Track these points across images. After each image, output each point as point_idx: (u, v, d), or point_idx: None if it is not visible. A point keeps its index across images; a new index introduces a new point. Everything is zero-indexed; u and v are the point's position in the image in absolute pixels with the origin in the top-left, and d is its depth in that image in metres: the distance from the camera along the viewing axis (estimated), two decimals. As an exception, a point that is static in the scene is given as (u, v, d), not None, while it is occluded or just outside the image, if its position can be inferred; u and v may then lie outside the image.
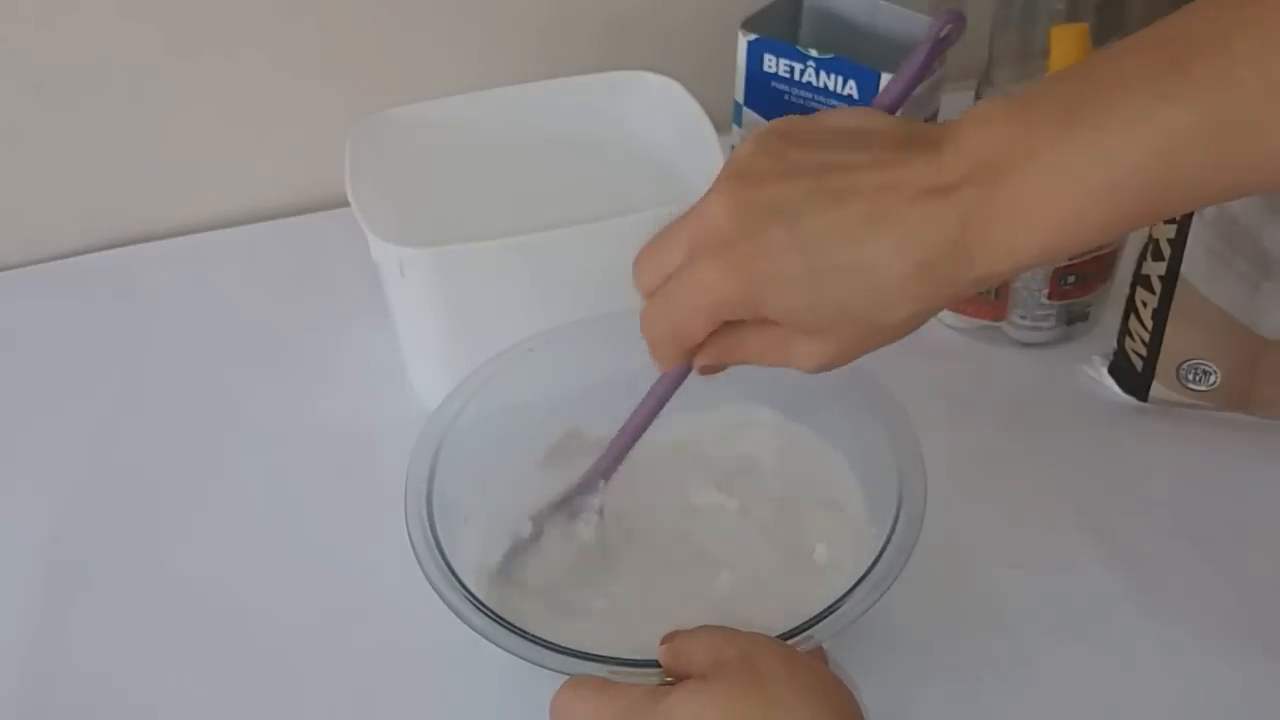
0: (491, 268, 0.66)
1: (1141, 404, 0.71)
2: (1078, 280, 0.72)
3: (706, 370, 0.50)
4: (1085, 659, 0.61)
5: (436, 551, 0.54)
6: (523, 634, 0.50)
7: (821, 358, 0.46)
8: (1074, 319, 0.74)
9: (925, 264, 0.43)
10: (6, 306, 0.84)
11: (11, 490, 0.72)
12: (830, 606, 0.50)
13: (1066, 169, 0.41)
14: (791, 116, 0.48)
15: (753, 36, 0.79)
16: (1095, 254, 0.71)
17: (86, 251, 0.88)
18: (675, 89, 0.75)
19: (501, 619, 0.51)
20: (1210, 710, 0.59)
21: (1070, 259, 0.70)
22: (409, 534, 0.55)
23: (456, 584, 0.53)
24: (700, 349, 0.49)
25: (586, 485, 0.60)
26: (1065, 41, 0.66)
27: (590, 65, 0.78)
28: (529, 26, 0.90)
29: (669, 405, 0.55)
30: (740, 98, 0.82)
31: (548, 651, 0.50)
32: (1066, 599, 0.63)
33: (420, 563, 0.54)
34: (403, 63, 0.89)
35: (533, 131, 0.77)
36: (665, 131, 0.76)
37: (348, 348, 0.73)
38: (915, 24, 0.80)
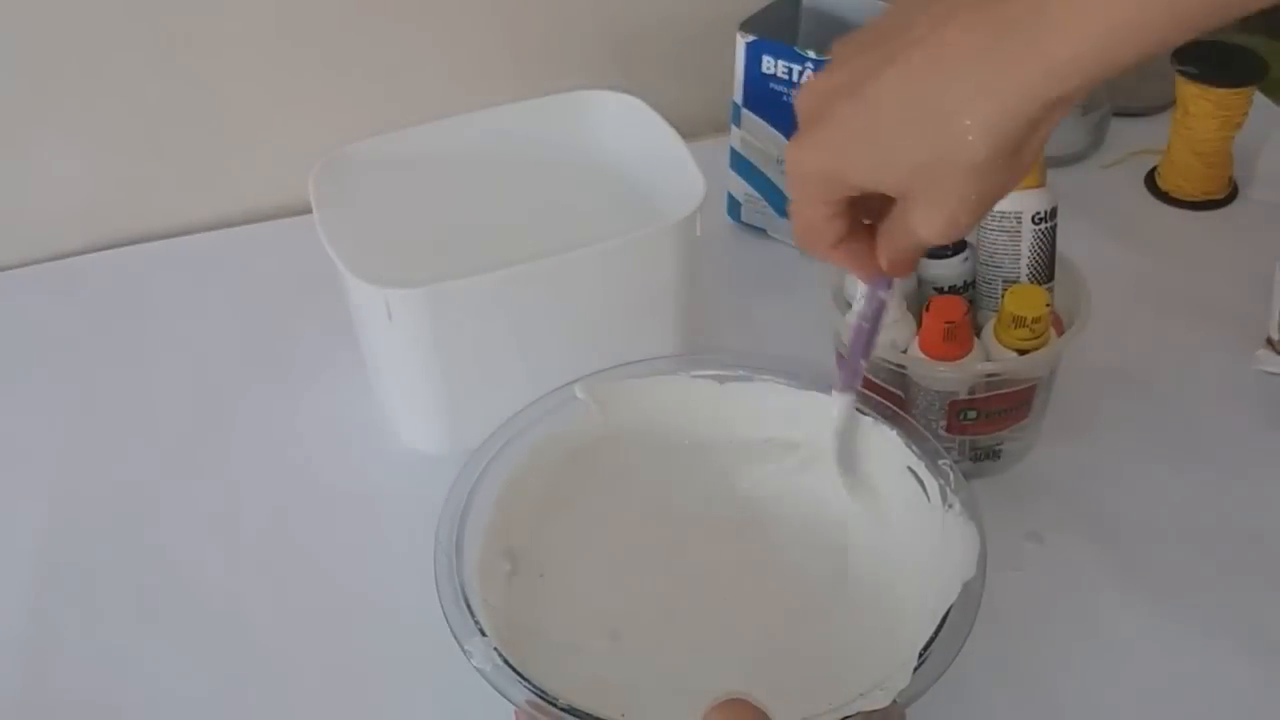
0: (483, 302, 0.66)
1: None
2: (980, 417, 0.66)
3: (889, 273, 0.51)
4: (1085, 659, 0.61)
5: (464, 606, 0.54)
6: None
7: (933, 221, 0.46)
8: (981, 456, 0.69)
9: (986, 82, 0.42)
10: (6, 306, 0.84)
11: (11, 490, 0.72)
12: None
13: None
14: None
15: (751, 38, 0.79)
16: (1003, 391, 0.65)
17: (86, 251, 0.88)
18: (637, 105, 0.75)
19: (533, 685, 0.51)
20: (1210, 710, 0.59)
21: (972, 393, 0.65)
22: (438, 592, 0.55)
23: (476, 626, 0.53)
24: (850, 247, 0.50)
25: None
26: None
27: (580, 81, 0.78)
28: (532, 41, 0.91)
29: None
30: (739, 99, 0.82)
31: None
32: (1065, 599, 0.63)
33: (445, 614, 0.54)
34: (402, 62, 0.89)
35: (498, 156, 0.76)
36: (630, 147, 0.76)
37: (348, 347, 0.73)
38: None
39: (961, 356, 0.64)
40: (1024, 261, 0.66)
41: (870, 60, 0.45)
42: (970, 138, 0.42)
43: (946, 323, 0.63)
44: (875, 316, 0.56)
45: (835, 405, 0.59)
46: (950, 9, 0.43)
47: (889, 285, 0.54)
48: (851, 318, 0.65)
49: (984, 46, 0.42)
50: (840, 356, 0.57)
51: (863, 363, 0.57)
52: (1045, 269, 0.66)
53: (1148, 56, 0.41)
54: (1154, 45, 0.41)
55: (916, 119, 0.43)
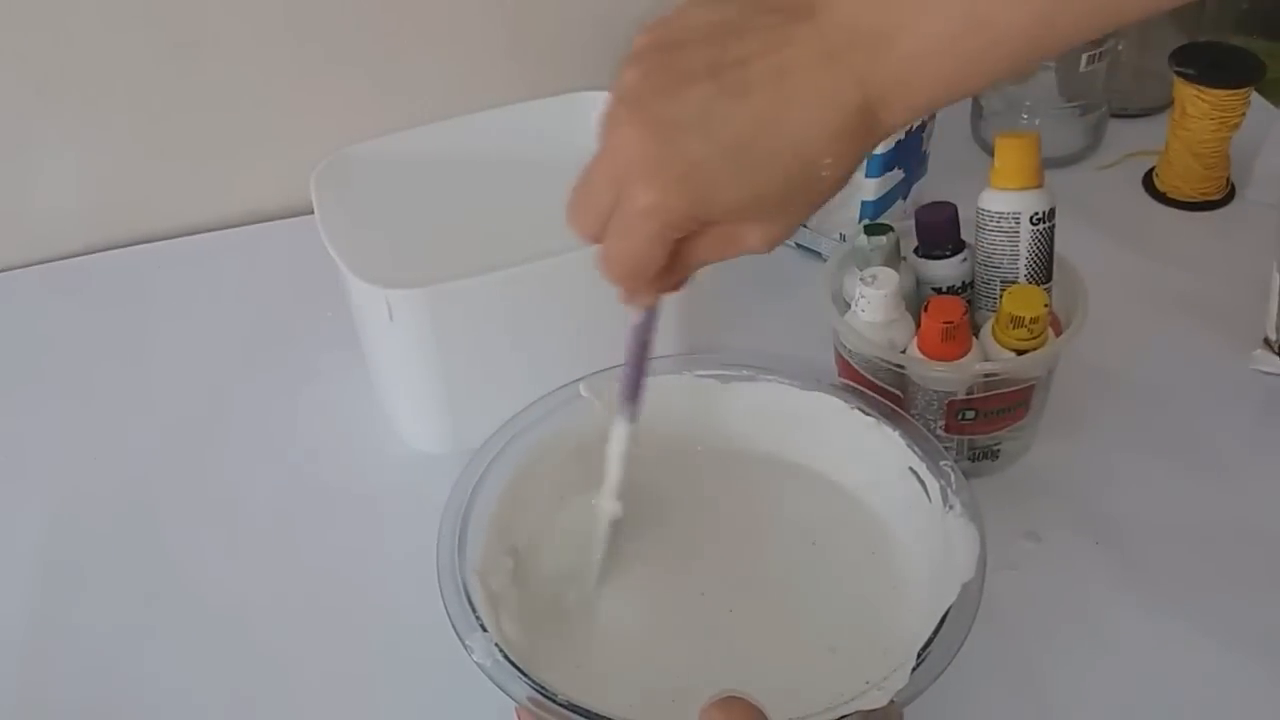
0: (484, 303, 0.66)
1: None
2: (978, 417, 0.66)
3: (674, 289, 0.51)
4: (1082, 658, 0.61)
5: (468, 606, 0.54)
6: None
7: (771, 236, 0.48)
8: (979, 456, 0.69)
9: (840, 129, 0.44)
10: (6, 306, 0.84)
11: (11, 489, 0.72)
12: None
13: (943, 36, 0.43)
14: (652, 23, 0.48)
15: (751, 39, 0.79)
16: (1001, 391, 0.66)
17: (87, 252, 0.89)
18: None
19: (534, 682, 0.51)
20: (1209, 710, 0.59)
21: (970, 393, 0.65)
22: (441, 590, 0.55)
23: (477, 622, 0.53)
24: (662, 273, 0.49)
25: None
26: (1009, 152, 0.65)
27: (580, 81, 0.78)
28: (532, 41, 0.91)
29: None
30: (738, 100, 0.82)
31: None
32: (1063, 598, 0.64)
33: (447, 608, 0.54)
34: (403, 64, 0.89)
35: (498, 156, 0.76)
36: None
37: (348, 347, 0.73)
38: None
39: (960, 357, 0.64)
40: (1022, 262, 0.66)
41: (707, 89, 0.44)
42: (825, 174, 0.45)
43: (945, 323, 0.63)
44: (649, 333, 0.55)
45: (615, 431, 0.57)
46: (779, 37, 0.44)
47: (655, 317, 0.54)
48: (866, 324, 0.65)
49: (829, 106, 0.44)
50: (630, 380, 0.56)
51: (644, 382, 0.56)
52: (1043, 269, 0.66)
53: (981, 89, 0.44)
54: (983, 87, 0.45)
55: (781, 155, 0.45)
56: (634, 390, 0.56)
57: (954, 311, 0.63)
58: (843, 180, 0.47)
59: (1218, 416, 0.73)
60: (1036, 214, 0.65)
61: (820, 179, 0.46)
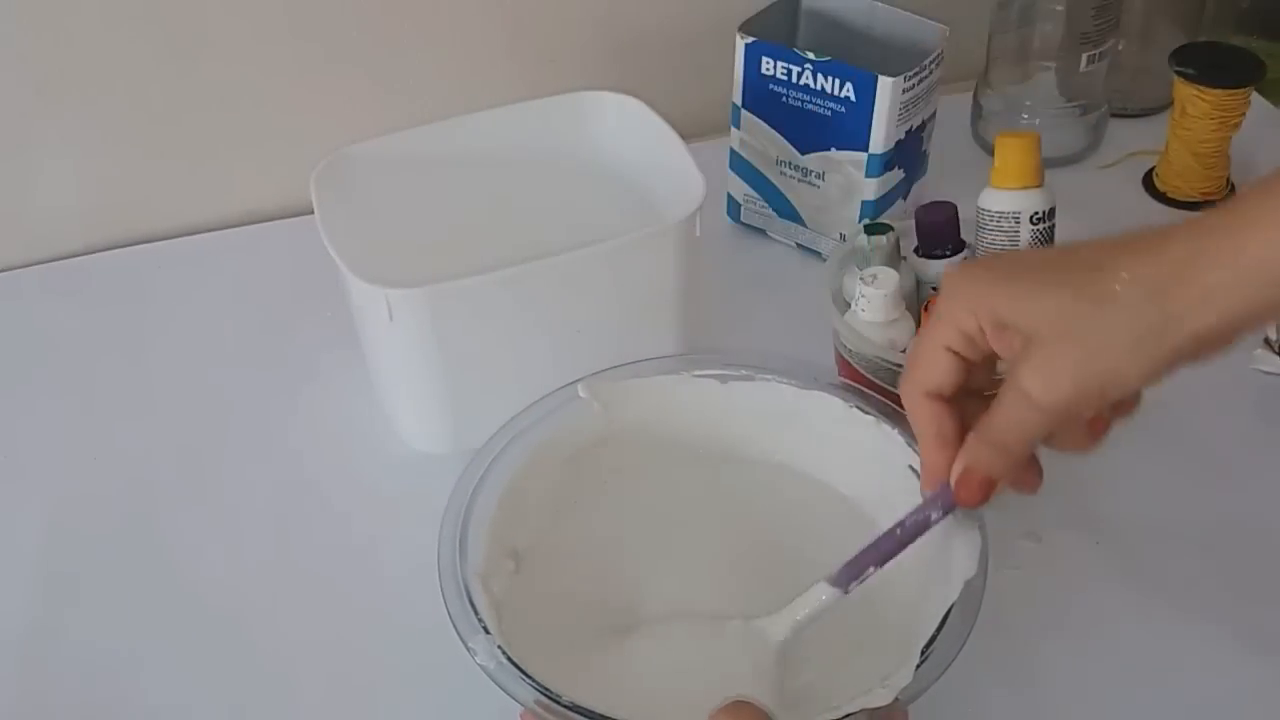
0: (483, 303, 0.66)
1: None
2: None
3: (972, 486, 0.50)
4: (1082, 657, 0.61)
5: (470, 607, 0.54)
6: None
7: (1048, 365, 0.46)
8: None
9: (1156, 256, 0.45)
10: (6, 306, 0.84)
11: (11, 489, 0.72)
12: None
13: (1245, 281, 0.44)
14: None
15: (750, 39, 0.79)
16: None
17: (87, 252, 0.88)
18: (637, 105, 0.75)
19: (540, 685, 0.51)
20: (1209, 710, 0.59)
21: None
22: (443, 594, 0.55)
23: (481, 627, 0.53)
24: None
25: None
26: (1009, 151, 0.65)
27: (580, 81, 0.78)
28: (532, 41, 0.91)
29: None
30: (738, 100, 0.82)
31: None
32: (1063, 597, 0.64)
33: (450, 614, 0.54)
34: (403, 63, 0.89)
35: (498, 156, 0.76)
36: (630, 147, 0.76)
37: (348, 347, 0.73)
38: (912, 27, 0.80)
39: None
40: None
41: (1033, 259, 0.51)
42: (1118, 287, 0.45)
43: None
44: (912, 535, 0.53)
45: (815, 595, 0.54)
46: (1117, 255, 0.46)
47: (945, 510, 0.52)
48: (867, 324, 0.65)
49: (1142, 315, 0.44)
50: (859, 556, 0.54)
51: (873, 570, 0.53)
52: (1044, 269, 0.66)
53: None
54: None
55: (1076, 266, 0.46)
56: (857, 575, 0.53)
57: None
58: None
59: (1218, 416, 0.73)
60: (1036, 213, 0.65)
61: (1121, 377, 0.46)
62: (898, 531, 0.53)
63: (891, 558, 0.53)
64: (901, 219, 0.72)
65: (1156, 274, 0.44)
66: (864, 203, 0.80)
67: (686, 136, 0.72)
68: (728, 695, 0.48)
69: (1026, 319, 0.46)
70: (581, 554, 0.61)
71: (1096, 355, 0.45)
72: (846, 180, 0.80)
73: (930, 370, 0.50)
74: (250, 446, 0.74)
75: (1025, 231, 0.65)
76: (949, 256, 0.68)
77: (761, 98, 0.81)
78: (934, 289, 0.68)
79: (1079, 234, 0.71)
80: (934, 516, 0.52)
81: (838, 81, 0.77)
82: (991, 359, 0.50)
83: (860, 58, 0.77)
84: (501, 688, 0.51)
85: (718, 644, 0.56)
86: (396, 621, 0.63)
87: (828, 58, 0.77)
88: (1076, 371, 0.46)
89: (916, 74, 0.77)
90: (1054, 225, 0.66)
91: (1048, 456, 0.70)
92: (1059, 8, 0.87)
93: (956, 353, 0.49)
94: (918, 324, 0.66)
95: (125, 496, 0.71)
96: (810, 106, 0.79)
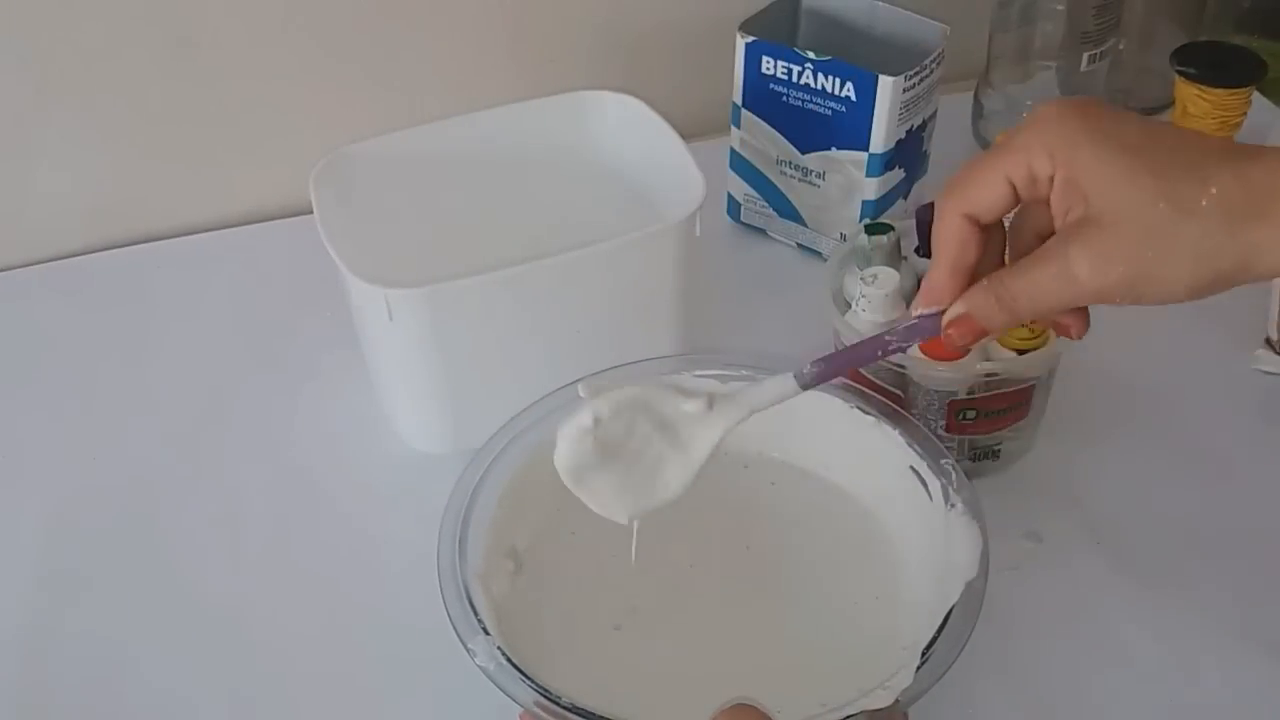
0: (483, 303, 0.66)
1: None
2: (979, 416, 0.66)
3: (962, 330, 0.49)
4: (1083, 657, 0.61)
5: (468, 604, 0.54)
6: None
7: (1104, 252, 0.45)
8: (980, 455, 0.69)
9: (1248, 196, 0.44)
10: (6, 306, 0.84)
11: (11, 489, 0.72)
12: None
13: None
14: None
15: (751, 39, 0.79)
16: (1002, 391, 0.66)
17: (86, 252, 0.88)
18: (637, 105, 0.75)
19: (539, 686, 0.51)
20: (1209, 710, 0.59)
21: (970, 394, 0.65)
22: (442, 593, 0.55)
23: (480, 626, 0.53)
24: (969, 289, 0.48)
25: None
26: None
27: (580, 81, 0.78)
28: (532, 41, 0.91)
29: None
30: (739, 99, 0.82)
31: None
32: (1064, 598, 0.64)
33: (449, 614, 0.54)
34: (403, 63, 0.89)
35: (498, 156, 0.76)
36: (630, 147, 0.76)
37: (348, 347, 0.73)
38: (913, 26, 0.80)
39: (961, 357, 0.64)
40: None
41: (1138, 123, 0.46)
42: (1204, 202, 0.44)
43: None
44: (882, 354, 0.52)
45: (776, 385, 0.52)
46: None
47: (924, 337, 0.51)
48: (867, 323, 0.65)
49: (1215, 237, 0.44)
50: (834, 356, 0.53)
51: (837, 378, 0.54)
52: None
53: None
54: None
55: (1177, 162, 0.44)
56: (834, 373, 0.53)
57: None
58: (1201, 281, 0.45)
59: (1218, 416, 0.73)
60: None
61: (1198, 231, 0.44)
62: (872, 347, 0.52)
63: (856, 366, 0.54)
64: (902, 219, 0.72)
65: (1243, 199, 0.43)
66: (864, 202, 0.80)
67: (686, 136, 0.72)
68: (730, 698, 0.48)
69: (1105, 198, 0.45)
70: (581, 554, 0.61)
71: (1158, 260, 0.44)
72: (847, 180, 0.80)
73: (981, 193, 0.48)
74: (250, 446, 0.74)
75: None
76: None
77: (762, 97, 0.81)
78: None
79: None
80: (909, 344, 0.52)
81: (838, 81, 0.77)
82: (1040, 205, 0.48)
83: (861, 57, 0.77)
84: (500, 688, 0.51)
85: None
86: (396, 622, 0.63)
87: (828, 57, 0.77)
88: (1131, 269, 0.45)
89: (917, 73, 0.76)
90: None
91: (1048, 457, 0.71)
92: (1060, 7, 0.87)
93: (1014, 185, 0.47)
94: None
95: (125, 496, 0.71)
96: (811, 106, 0.79)
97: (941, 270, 0.49)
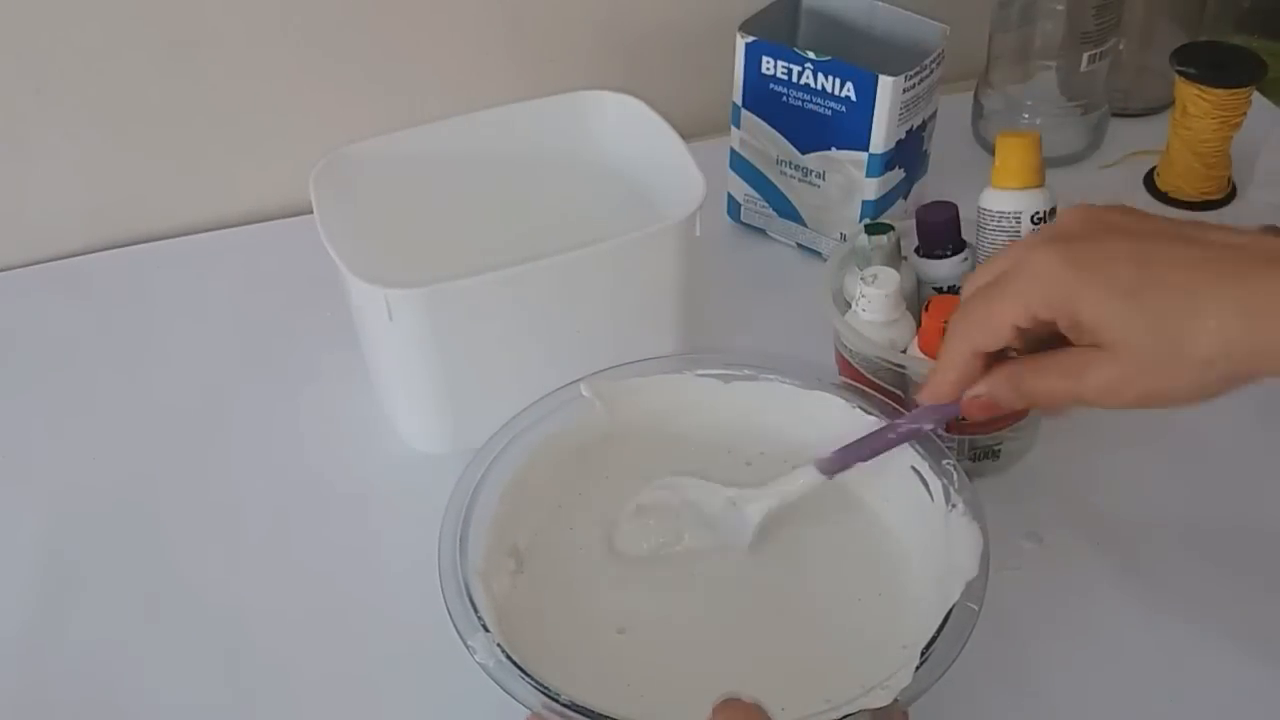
0: (483, 303, 0.66)
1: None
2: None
3: (980, 408, 0.52)
4: (1083, 658, 0.61)
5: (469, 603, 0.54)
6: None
7: (1112, 383, 0.47)
8: (980, 456, 0.69)
9: (1249, 322, 0.45)
10: (6, 306, 0.84)
11: (11, 490, 0.72)
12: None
13: None
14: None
15: (751, 39, 0.79)
16: None
17: (86, 251, 0.88)
18: (637, 105, 0.75)
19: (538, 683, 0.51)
20: (1209, 710, 0.59)
21: None
22: (442, 589, 0.55)
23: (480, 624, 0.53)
24: (990, 373, 0.51)
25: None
26: (1009, 151, 0.65)
27: (580, 81, 0.78)
28: (532, 41, 0.91)
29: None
30: (739, 100, 0.82)
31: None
32: (1064, 598, 0.64)
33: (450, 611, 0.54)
34: (403, 62, 0.89)
35: (498, 156, 0.76)
36: (630, 147, 0.76)
37: (348, 347, 0.73)
38: (913, 26, 0.80)
39: None
40: None
41: (1158, 226, 0.48)
42: (1209, 348, 0.45)
43: (946, 322, 0.63)
44: (904, 438, 0.57)
45: (799, 476, 0.60)
46: (1250, 238, 0.46)
47: (941, 423, 0.55)
48: (867, 323, 0.65)
49: (1254, 294, 0.45)
50: (852, 448, 0.58)
51: (857, 464, 0.58)
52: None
53: None
54: None
55: (1178, 292, 0.45)
56: (845, 464, 0.59)
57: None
58: (1208, 376, 0.47)
59: (1219, 416, 0.72)
60: (1037, 213, 0.65)
61: (1191, 342, 0.46)
62: (890, 434, 0.57)
63: (877, 455, 0.57)
64: (902, 219, 0.72)
65: (1243, 325, 0.45)
66: (864, 202, 0.80)
67: (686, 136, 0.72)
68: (724, 692, 0.48)
69: (1110, 335, 0.47)
70: (582, 553, 0.61)
71: (1168, 385, 0.47)
72: (847, 180, 0.80)
73: (988, 338, 0.50)
74: (250, 446, 0.74)
75: (1027, 231, 0.65)
76: (950, 256, 0.68)
77: (762, 97, 0.81)
78: (935, 289, 0.68)
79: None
80: (928, 427, 0.56)
81: (838, 81, 0.77)
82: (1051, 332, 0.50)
83: (861, 57, 0.77)
84: (501, 686, 0.51)
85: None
86: (397, 620, 0.63)
87: (828, 57, 0.77)
88: (1141, 393, 0.47)
89: (917, 73, 0.76)
90: (1055, 225, 0.66)
91: (1048, 457, 0.71)
92: (1060, 7, 0.87)
93: (1019, 328, 0.49)
94: (918, 324, 0.65)
95: (124, 496, 0.71)
96: (811, 106, 0.79)
97: (945, 380, 0.52)
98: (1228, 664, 0.61)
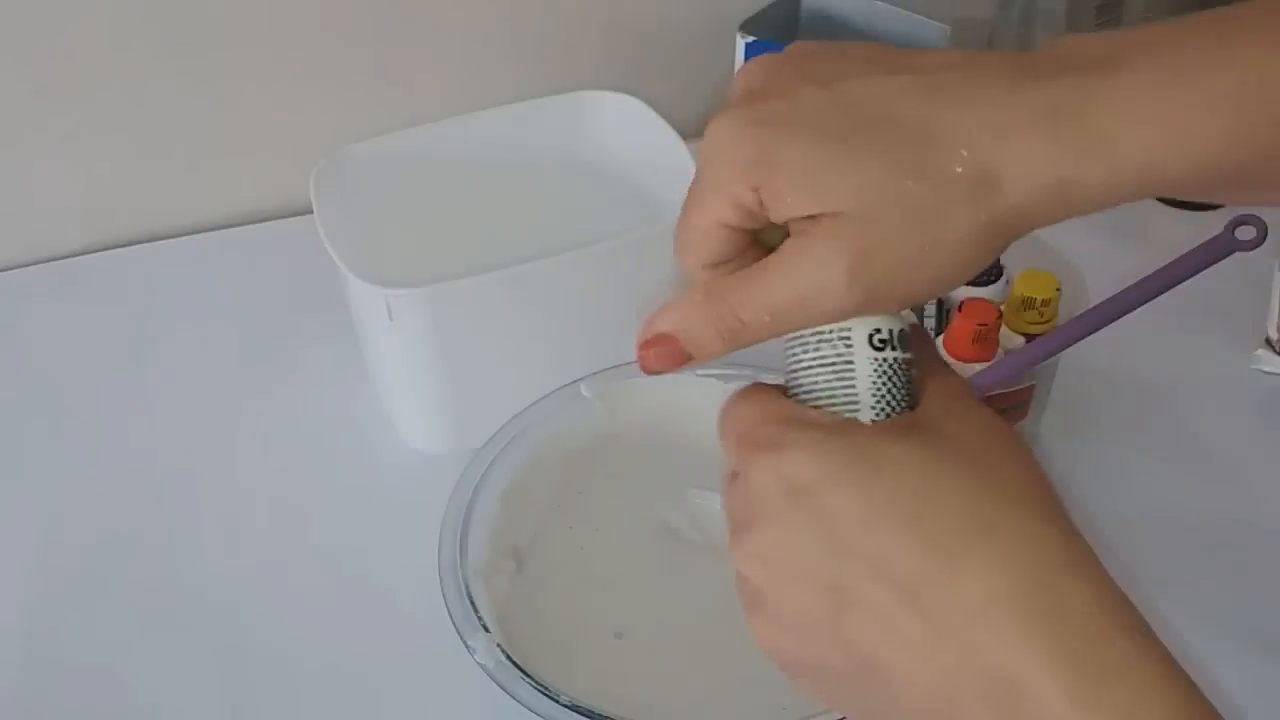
0: (483, 302, 0.66)
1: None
2: None
3: (661, 359, 0.40)
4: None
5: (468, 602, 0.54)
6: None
7: (855, 263, 0.35)
8: None
9: (998, 137, 0.34)
10: (6, 306, 0.84)
11: (10, 489, 0.72)
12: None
13: (1185, 66, 0.34)
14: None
15: (751, 39, 0.79)
16: (1007, 390, 0.65)
17: (86, 251, 0.88)
18: (637, 105, 0.75)
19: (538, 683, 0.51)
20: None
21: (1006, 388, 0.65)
22: (443, 589, 0.55)
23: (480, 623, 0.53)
24: (676, 303, 0.40)
25: None
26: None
27: (580, 81, 0.78)
28: (532, 41, 0.91)
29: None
30: (739, 99, 0.82)
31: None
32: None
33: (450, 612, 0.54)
34: (402, 63, 0.89)
35: (498, 156, 0.76)
36: (630, 147, 0.76)
37: (348, 347, 0.73)
38: (913, 26, 0.80)
39: (989, 359, 0.64)
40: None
41: (857, 57, 0.37)
42: (959, 169, 0.34)
43: (979, 325, 0.63)
44: None
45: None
46: (971, 55, 0.36)
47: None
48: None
49: (997, 103, 0.35)
50: None
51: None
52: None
53: (1196, 187, 0.37)
54: (1203, 167, 0.36)
55: (897, 126, 0.35)
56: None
57: (988, 314, 0.63)
58: (975, 226, 0.35)
59: (1219, 416, 0.73)
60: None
61: (948, 179, 0.35)
62: None
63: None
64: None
65: (996, 157, 0.34)
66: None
67: (686, 136, 0.72)
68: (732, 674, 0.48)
69: (830, 194, 0.35)
70: (583, 553, 0.61)
71: (926, 241, 0.35)
72: (847, 180, 0.80)
73: (707, 244, 0.38)
74: (250, 446, 0.74)
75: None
76: (991, 283, 0.68)
77: (762, 97, 0.80)
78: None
79: (1080, 234, 0.71)
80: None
81: (838, 81, 0.77)
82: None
83: (860, 57, 0.77)
84: (501, 686, 0.51)
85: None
86: (397, 620, 0.63)
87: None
88: (889, 265, 0.35)
89: (917, 74, 0.76)
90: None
91: (1048, 457, 0.71)
92: (1059, 8, 0.87)
93: (734, 227, 0.38)
94: (937, 332, 0.65)
95: (125, 496, 0.71)
96: (810, 106, 0.79)
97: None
98: (1227, 663, 0.60)
